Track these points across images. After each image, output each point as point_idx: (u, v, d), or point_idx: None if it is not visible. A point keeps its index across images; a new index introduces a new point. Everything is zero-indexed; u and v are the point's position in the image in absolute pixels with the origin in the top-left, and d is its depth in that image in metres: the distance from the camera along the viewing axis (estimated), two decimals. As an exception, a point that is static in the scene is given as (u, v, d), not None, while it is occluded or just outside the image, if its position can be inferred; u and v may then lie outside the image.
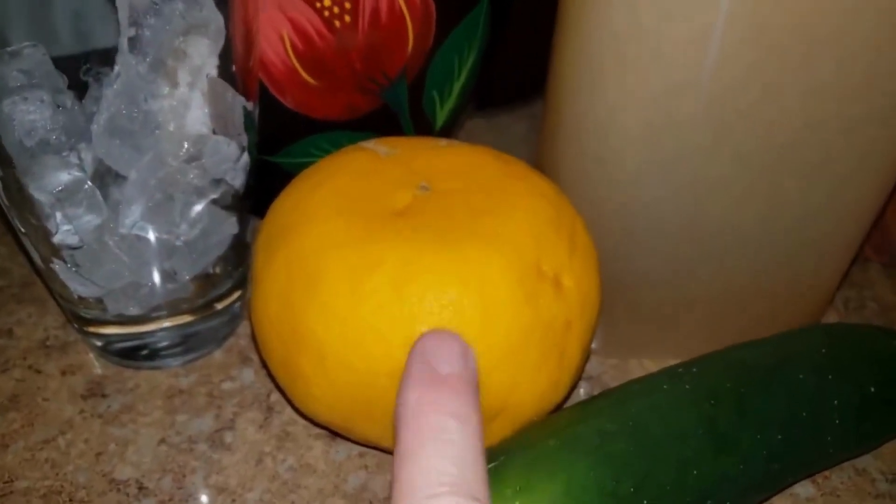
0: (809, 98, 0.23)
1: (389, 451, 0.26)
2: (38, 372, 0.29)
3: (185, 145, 0.24)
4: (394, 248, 0.21)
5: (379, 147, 0.25)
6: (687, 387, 0.23)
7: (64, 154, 0.23)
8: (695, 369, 0.24)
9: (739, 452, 0.22)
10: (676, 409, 0.22)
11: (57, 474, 0.25)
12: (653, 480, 0.21)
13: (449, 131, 0.35)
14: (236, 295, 0.30)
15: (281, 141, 0.31)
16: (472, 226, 0.22)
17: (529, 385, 0.22)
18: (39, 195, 0.23)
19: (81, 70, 0.25)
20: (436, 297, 0.21)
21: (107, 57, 0.24)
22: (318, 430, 0.27)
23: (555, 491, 0.20)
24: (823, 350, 0.26)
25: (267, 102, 0.29)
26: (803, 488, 0.27)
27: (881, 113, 0.24)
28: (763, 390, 0.23)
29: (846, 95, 0.23)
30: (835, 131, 0.24)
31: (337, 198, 0.23)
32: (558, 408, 0.25)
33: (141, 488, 0.25)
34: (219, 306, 0.29)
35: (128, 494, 0.25)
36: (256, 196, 0.29)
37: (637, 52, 0.23)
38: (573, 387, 0.25)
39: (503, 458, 0.21)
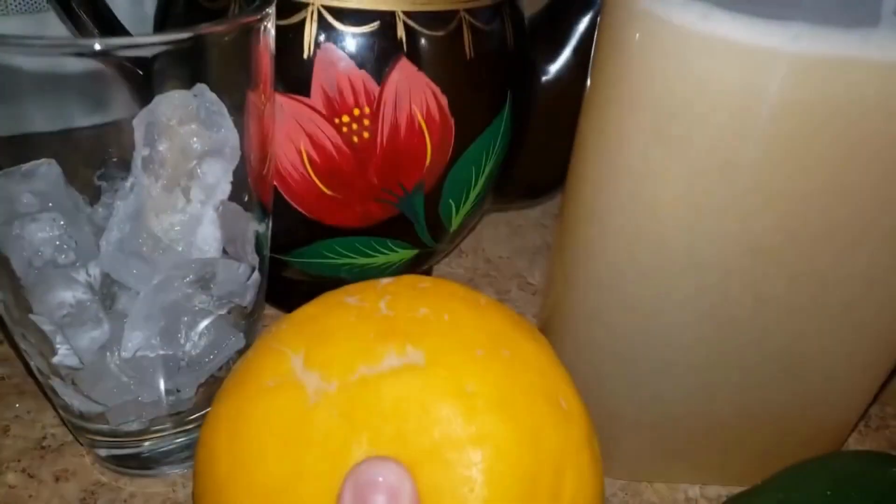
0: (832, 245, 0.23)
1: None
2: (31, 477, 0.28)
3: (194, 269, 0.23)
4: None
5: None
6: None
7: (71, 272, 0.23)
8: None
9: None
10: None
11: None
12: None
13: (462, 230, 0.34)
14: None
15: (294, 243, 0.31)
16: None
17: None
18: (40, 320, 0.23)
19: (96, 175, 0.25)
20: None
21: (122, 161, 0.23)
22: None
23: None
24: (829, 492, 0.25)
25: (281, 207, 0.29)
26: None
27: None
28: None
29: (870, 244, 0.23)
30: (859, 277, 0.24)
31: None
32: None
33: None
34: (220, 413, 0.29)
35: None
36: (268, 290, 0.28)
37: (653, 187, 0.22)
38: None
39: None
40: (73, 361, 0.23)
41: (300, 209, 0.29)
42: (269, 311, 0.36)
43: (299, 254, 0.31)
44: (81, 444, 0.29)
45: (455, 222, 0.32)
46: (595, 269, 0.26)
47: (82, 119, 0.23)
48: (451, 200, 0.31)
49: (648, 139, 0.23)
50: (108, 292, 0.24)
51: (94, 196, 0.24)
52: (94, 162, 0.24)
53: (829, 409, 0.28)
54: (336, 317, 0.21)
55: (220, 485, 0.20)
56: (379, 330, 0.20)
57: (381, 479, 0.16)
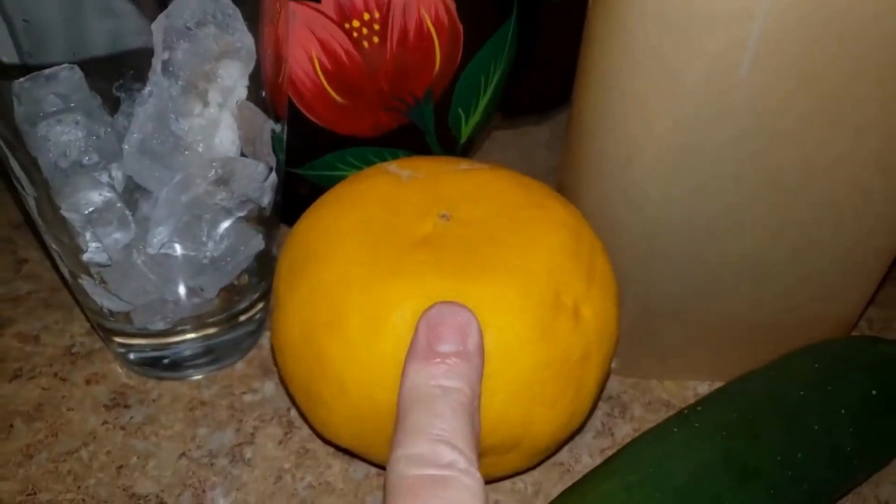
0: (840, 131, 0.23)
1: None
2: (63, 380, 0.29)
3: (214, 167, 0.24)
4: (414, 284, 0.21)
5: (402, 171, 0.25)
6: (696, 425, 0.23)
7: (96, 174, 0.24)
8: (700, 408, 0.24)
9: (764, 478, 0.22)
10: (691, 449, 0.22)
11: (79, 487, 0.25)
12: None
13: (472, 144, 0.35)
14: (260, 306, 0.31)
15: (307, 154, 0.31)
16: (491, 258, 0.22)
17: (545, 419, 0.22)
18: (71, 215, 0.23)
19: (115, 85, 0.25)
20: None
21: (139, 73, 0.24)
22: (337, 448, 0.27)
23: None
24: (816, 365, 0.26)
25: (294, 118, 0.29)
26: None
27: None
28: (770, 414, 0.23)
29: (879, 130, 0.23)
30: (864, 165, 0.24)
31: (360, 227, 0.23)
32: (576, 432, 0.25)
33: (161, 503, 0.25)
34: (243, 318, 0.30)
35: (149, 508, 0.25)
36: (283, 206, 0.29)
37: (659, 81, 0.23)
38: (591, 414, 0.25)
39: None
40: (102, 258, 0.24)
41: (313, 118, 0.29)
42: (284, 229, 0.37)
43: (312, 166, 0.32)
44: (109, 350, 0.30)
45: (465, 133, 0.33)
46: (605, 167, 0.26)
47: (100, 44, 0.24)
48: (460, 110, 0.31)
49: (645, 57, 0.23)
50: (131, 197, 0.25)
51: (113, 108, 0.25)
52: (112, 76, 0.25)
53: (835, 302, 0.29)
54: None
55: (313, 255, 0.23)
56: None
57: (450, 317, 0.18)
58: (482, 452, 0.22)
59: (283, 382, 0.29)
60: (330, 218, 0.24)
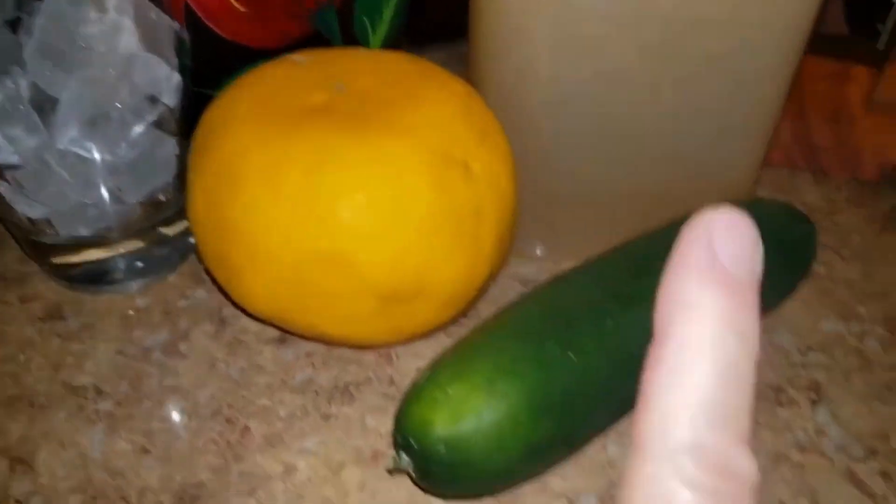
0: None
1: (335, 345, 0.28)
2: None
3: (116, 63, 0.25)
4: (307, 141, 0.23)
5: (298, 57, 0.27)
6: (588, 269, 0.25)
7: None
8: (593, 260, 0.26)
9: (644, 304, 0.23)
10: (579, 285, 0.24)
11: (17, 384, 0.27)
12: (575, 338, 0.22)
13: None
14: (186, 223, 0.32)
15: (220, 73, 0.32)
16: (384, 118, 0.24)
17: (444, 266, 0.24)
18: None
19: (13, 4, 0.26)
20: (349, 182, 0.23)
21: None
22: (268, 336, 0.29)
23: (484, 368, 0.21)
24: None
25: (204, 35, 0.31)
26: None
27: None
28: (652, 258, 0.25)
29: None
30: (734, 19, 0.26)
31: (256, 102, 0.25)
32: (480, 292, 0.27)
33: (99, 392, 0.26)
34: (169, 232, 0.31)
35: (86, 398, 0.26)
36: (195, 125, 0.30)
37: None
38: (494, 273, 0.27)
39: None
40: (13, 159, 0.25)
41: (219, 32, 0.31)
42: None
43: (223, 85, 0.33)
44: (43, 273, 0.31)
45: (373, 44, 0.34)
46: (498, 46, 0.28)
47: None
48: (364, 18, 0.33)
49: None
50: (40, 109, 0.26)
51: (14, 27, 0.26)
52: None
53: (725, 169, 0.31)
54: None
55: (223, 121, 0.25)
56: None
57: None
58: (390, 298, 0.24)
59: (215, 282, 0.31)
60: (228, 99, 0.25)
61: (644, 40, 0.26)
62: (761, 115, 0.30)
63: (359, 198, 0.23)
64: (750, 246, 0.12)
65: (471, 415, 0.20)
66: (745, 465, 0.11)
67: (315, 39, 0.32)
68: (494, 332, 0.23)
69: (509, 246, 0.28)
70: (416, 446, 0.21)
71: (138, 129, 0.27)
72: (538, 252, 0.33)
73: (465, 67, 0.31)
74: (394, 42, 0.36)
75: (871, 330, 0.30)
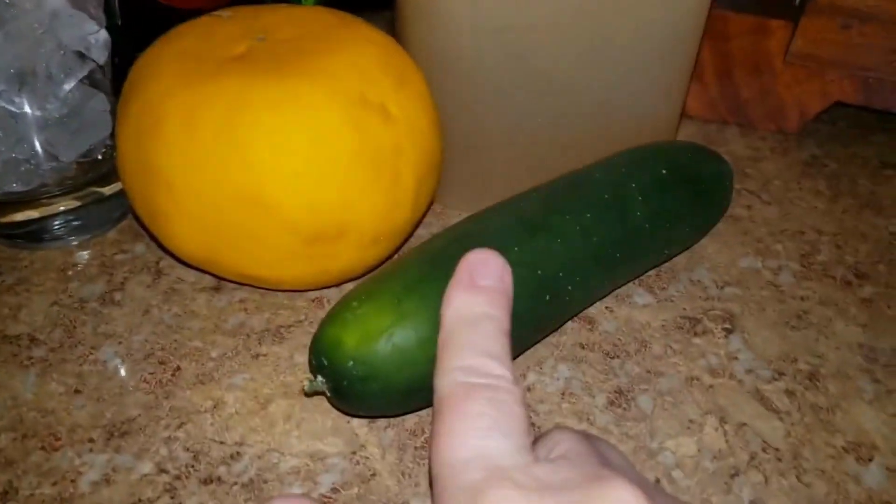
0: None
1: (270, 290, 0.29)
2: (-62, 260, 0.31)
3: (40, 18, 0.26)
4: (227, 84, 0.24)
5: (224, 13, 0.28)
6: (502, 207, 0.26)
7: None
8: (506, 199, 0.27)
9: (553, 231, 0.25)
10: (490, 218, 0.25)
11: (-46, 335, 0.27)
12: None
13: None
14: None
15: (153, 35, 0.33)
16: (302, 64, 0.25)
17: (365, 204, 0.25)
18: None
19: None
20: (266, 123, 0.23)
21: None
22: (203, 285, 0.30)
23: (392, 288, 0.23)
24: (620, 157, 0.29)
25: (136, -2, 0.31)
26: (641, 297, 0.30)
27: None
28: (563, 190, 0.27)
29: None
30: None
31: (179, 53, 0.26)
32: (405, 234, 0.28)
33: (32, 340, 0.27)
34: (106, 192, 0.32)
35: (19, 346, 0.27)
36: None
37: None
38: (417, 215, 0.28)
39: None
40: (-58, 112, 0.26)
41: (151, -7, 0.32)
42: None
43: (162, 48, 0.34)
44: (-18, 233, 0.32)
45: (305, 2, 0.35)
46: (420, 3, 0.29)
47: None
48: (294, -20, 0.34)
49: None
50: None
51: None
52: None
53: (646, 117, 0.32)
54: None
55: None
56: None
57: (490, 259, 0.20)
58: (314, 239, 0.25)
59: (152, 237, 0.31)
60: (155, 50, 0.26)
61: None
62: (674, 64, 0.31)
63: (276, 139, 0.24)
64: (493, 270, 0.19)
65: (377, 332, 0.21)
66: (497, 371, 0.17)
67: (247, 2, 0.33)
68: (405, 258, 0.24)
69: (432, 189, 0.29)
70: (328, 365, 0.22)
71: (68, 85, 0.28)
72: (469, 203, 0.34)
73: (392, 31, 0.32)
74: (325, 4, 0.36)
75: (786, 266, 0.32)
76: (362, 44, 0.26)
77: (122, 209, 0.33)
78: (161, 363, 0.26)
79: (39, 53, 0.26)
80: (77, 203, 0.31)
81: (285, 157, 0.24)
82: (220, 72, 0.24)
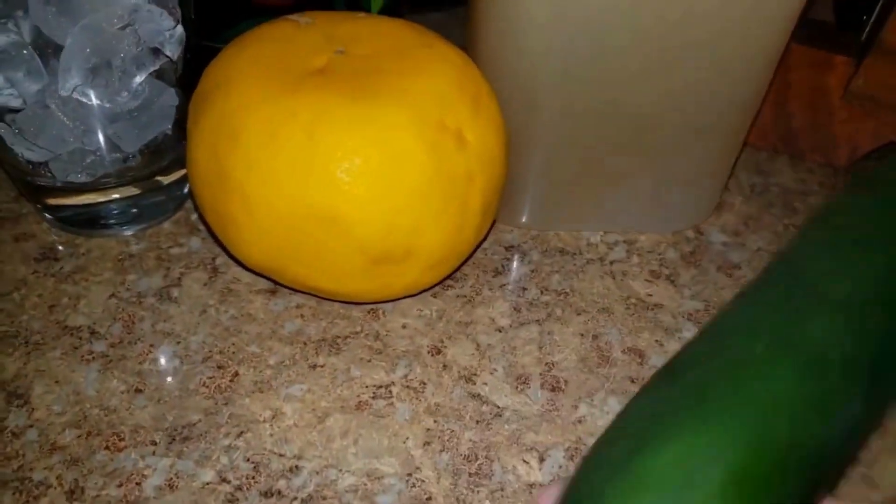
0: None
1: (325, 298, 0.29)
2: (-5, 239, 0.31)
3: (120, 13, 0.26)
4: (308, 101, 0.24)
5: (301, 18, 0.27)
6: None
7: (2, 21, 0.25)
8: None
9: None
10: None
11: (13, 322, 0.27)
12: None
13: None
14: (183, 172, 0.32)
15: (221, 25, 0.33)
16: (381, 84, 0.25)
17: (434, 229, 0.25)
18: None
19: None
20: (345, 144, 0.23)
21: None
22: (259, 287, 0.30)
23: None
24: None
25: (204, -13, 0.31)
26: (690, 332, 0.30)
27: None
28: None
29: None
30: (721, 7, 0.27)
31: (259, 61, 0.25)
32: (466, 256, 0.28)
33: (93, 333, 0.27)
34: (165, 181, 0.32)
35: (80, 338, 0.27)
36: (197, 77, 0.31)
37: None
38: (480, 239, 0.28)
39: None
40: (15, 102, 0.26)
41: (221, -15, 0.31)
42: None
43: (227, 37, 0.33)
44: (38, 214, 0.32)
45: (374, 6, 0.35)
46: (495, 19, 0.29)
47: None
48: (365, -20, 0.33)
49: None
50: (43, 53, 0.26)
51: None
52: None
53: (702, 155, 0.32)
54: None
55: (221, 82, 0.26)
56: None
57: None
58: (381, 260, 0.25)
59: (209, 232, 0.32)
60: (231, 57, 0.26)
61: (637, 21, 0.27)
62: (745, 98, 0.31)
63: (355, 160, 0.24)
64: None
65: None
66: None
67: (318, 5, 0.32)
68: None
69: (495, 213, 0.29)
70: None
71: (139, 78, 0.28)
72: (523, 220, 0.34)
73: (462, 30, 0.32)
74: (394, 4, 0.36)
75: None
76: (441, 64, 0.26)
77: (178, 200, 0.33)
78: (220, 367, 0.27)
79: (116, 48, 0.26)
80: (135, 191, 0.31)
81: (362, 180, 0.24)
82: (301, 86, 0.24)
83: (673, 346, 0.30)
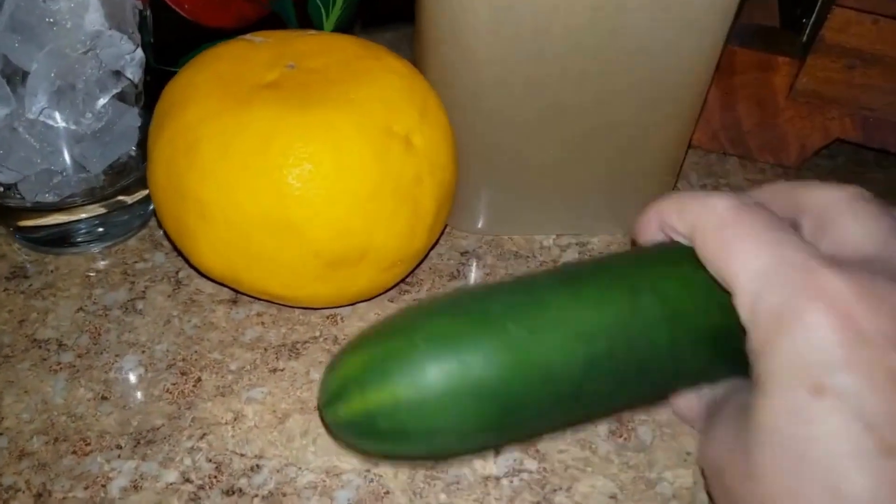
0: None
1: (285, 305, 0.30)
2: (-34, 261, 0.32)
3: (83, 39, 0.27)
4: (260, 112, 0.25)
5: (255, 38, 0.29)
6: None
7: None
8: None
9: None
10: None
11: (-15, 337, 0.28)
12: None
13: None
14: (146, 192, 0.34)
15: (179, 50, 0.34)
16: (330, 94, 0.26)
17: (387, 230, 0.26)
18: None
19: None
20: (297, 152, 0.25)
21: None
22: (221, 297, 0.31)
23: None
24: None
25: (164, 13, 0.32)
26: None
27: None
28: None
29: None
30: (653, 14, 0.28)
31: (214, 78, 0.27)
32: (420, 259, 0.29)
33: (60, 345, 0.28)
34: (129, 200, 0.33)
35: (48, 350, 0.28)
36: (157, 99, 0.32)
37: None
38: (433, 241, 0.29)
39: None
40: (-18, 127, 0.27)
41: (180, 11, 0.32)
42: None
43: (184, 62, 0.35)
44: (8, 234, 0.33)
45: (326, 28, 0.36)
46: (440, 26, 0.30)
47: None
48: (318, 2, 0.35)
49: None
50: (10, 81, 0.28)
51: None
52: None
53: (655, 149, 0.34)
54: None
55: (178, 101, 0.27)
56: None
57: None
58: (336, 263, 0.26)
59: (173, 247, 0.33)
60: (189, 74, 0.27)
61: (573, 26, 0.28)
62: (685, 99, 0.32)
63: (306, 166, 0.25)
64: None
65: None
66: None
67: (271, 20, 0.34)
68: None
69: (447, 215, 0.30)
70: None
71: (103, 100, 0.29)
72: (478, 226, 0.36)
73: (411, 48, 0.33)
74: (346, 24, 0.38)
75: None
76: (388, 74, 0.28)
77: (143, 218, 0.34)
78: (183, 374, 0.28)
79: (80, 71, 0.27)
80: (102, 210, 0.32)
81: (314, 185, 0.25)
82: (254, 99, 0.26)
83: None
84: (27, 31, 0.27)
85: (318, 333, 0.30)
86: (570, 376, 0.19)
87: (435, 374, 0.19)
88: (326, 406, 0.20)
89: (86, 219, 0.32)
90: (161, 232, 0.34)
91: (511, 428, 0.20)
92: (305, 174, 0.25)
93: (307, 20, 0.35)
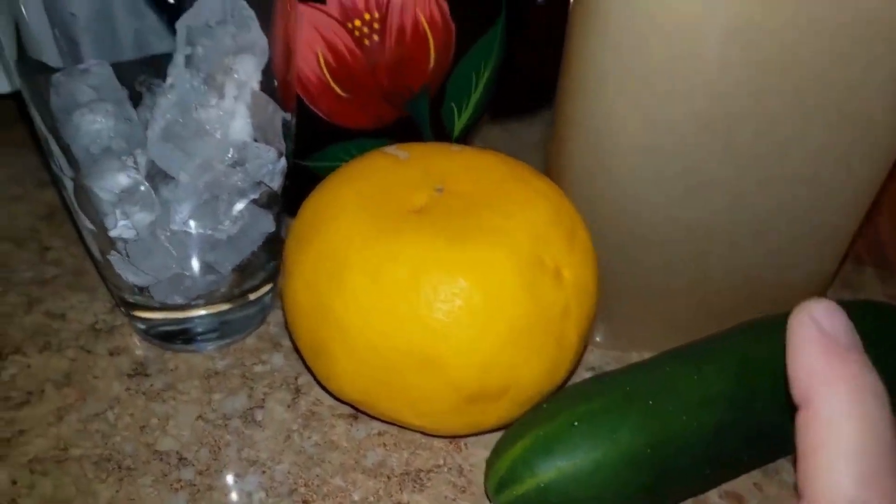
0: (797, 102, 0.26)
1: (406, 428, 0.29)
2: (89, 352, 0.32)
3: (231, 151, 0.27)
4: (411, 243, 0.24)
5: (399, 152, 0.28)
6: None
7: (123, 158, 0.26)
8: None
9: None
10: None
11: (106, 444, 0.28)
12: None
13: (465, 140, 0.37)
14: (269, 287, 0.33)
15: (313, 146, 0.34)
16: (480, 224, 0.25)
17: (531, 366, 0.25)
18: (103, 195, 0.26)
19: (136, 82, 0.28)
20: (448, 287, 0.24)
21: (159, 69, 0.26)
22: (341, 411, 0.30)
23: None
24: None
25: (301, 112, 0.32)
26: (790, 475, 0.29)
27: (867, 114, 0.26)
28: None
29: (832, 98, 0.25)
30: (822, 132, 0.26)
31: (362, 197, 0.26)
32: (559, 389, 0.28)
33: (181, 459, 0.28)
34: (252, 297, 0.32)
35: (169, 464, 0.27)
36: (288, 196, 0.31)
37: (637, 62, 0.25)
38: (572, 371, 0.28)
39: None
40: (129, 234, 0.27)
41: (318, 112, 0.32)
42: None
43: (317, 157, 0.34)
44: (130, 326, 0.33)
45: (457, 127, 0.35)
46: (586, 143, 0.29)
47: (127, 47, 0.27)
48: (452, 104, 0.34)
49: (616, 63, 0.26)
50: (154, 180, 0.27)
51: (136, 101, 0.27)
52: (136, 73, 0.27)
53: (802, 274, 0.31)
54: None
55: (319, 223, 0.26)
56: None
57: None
58: (476, 398, 0.25)
59: (294, 349, 0.32)
60: (333, 191, 0.27)
61: (731, 148, 0.27)
62: (845, 220, 0.30)
63: (455, 302, 0.24)
64: (846, 321, 0.16)
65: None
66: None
67: (405, 122, 0.33)
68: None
69: (588, 340, 0.28)
70: None
71: (240, 206, 0.29)
72: (597, 338, 0.34)
73: (541, 135, 0.32)
74: (476, 121, 0.37)
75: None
76: (536, 199, 0.26)
77: (261, 316, 0.33)
78: (305, 502, 0.27)
79: (226, 183, 0.27)
80: (223, 307, 0.31)
81: (462, 322, 0.24)
82: (403, 227, 0.25)
83: (773, 490, 0.28)
84: (179, 139, 0.27)
85: (441, 461, 0.28)
86: (703, 439, 0.24)
87: (593, 448, 0.23)
88: (498, 490, 0.24)
89: (207, 315, 0.31)
90: (277, 329, 0.33)
91: (660, 490, 0.24)
92: (455, 310, 0.24)
93: (439, 120, 0.34)
